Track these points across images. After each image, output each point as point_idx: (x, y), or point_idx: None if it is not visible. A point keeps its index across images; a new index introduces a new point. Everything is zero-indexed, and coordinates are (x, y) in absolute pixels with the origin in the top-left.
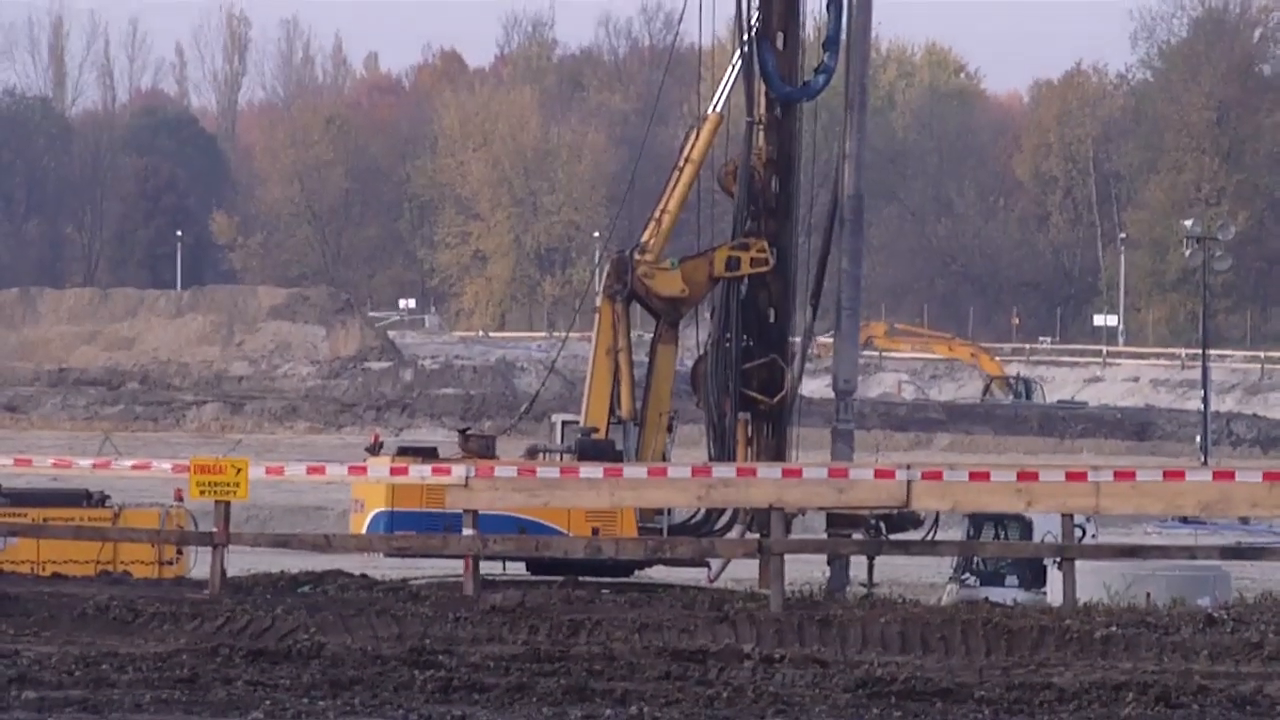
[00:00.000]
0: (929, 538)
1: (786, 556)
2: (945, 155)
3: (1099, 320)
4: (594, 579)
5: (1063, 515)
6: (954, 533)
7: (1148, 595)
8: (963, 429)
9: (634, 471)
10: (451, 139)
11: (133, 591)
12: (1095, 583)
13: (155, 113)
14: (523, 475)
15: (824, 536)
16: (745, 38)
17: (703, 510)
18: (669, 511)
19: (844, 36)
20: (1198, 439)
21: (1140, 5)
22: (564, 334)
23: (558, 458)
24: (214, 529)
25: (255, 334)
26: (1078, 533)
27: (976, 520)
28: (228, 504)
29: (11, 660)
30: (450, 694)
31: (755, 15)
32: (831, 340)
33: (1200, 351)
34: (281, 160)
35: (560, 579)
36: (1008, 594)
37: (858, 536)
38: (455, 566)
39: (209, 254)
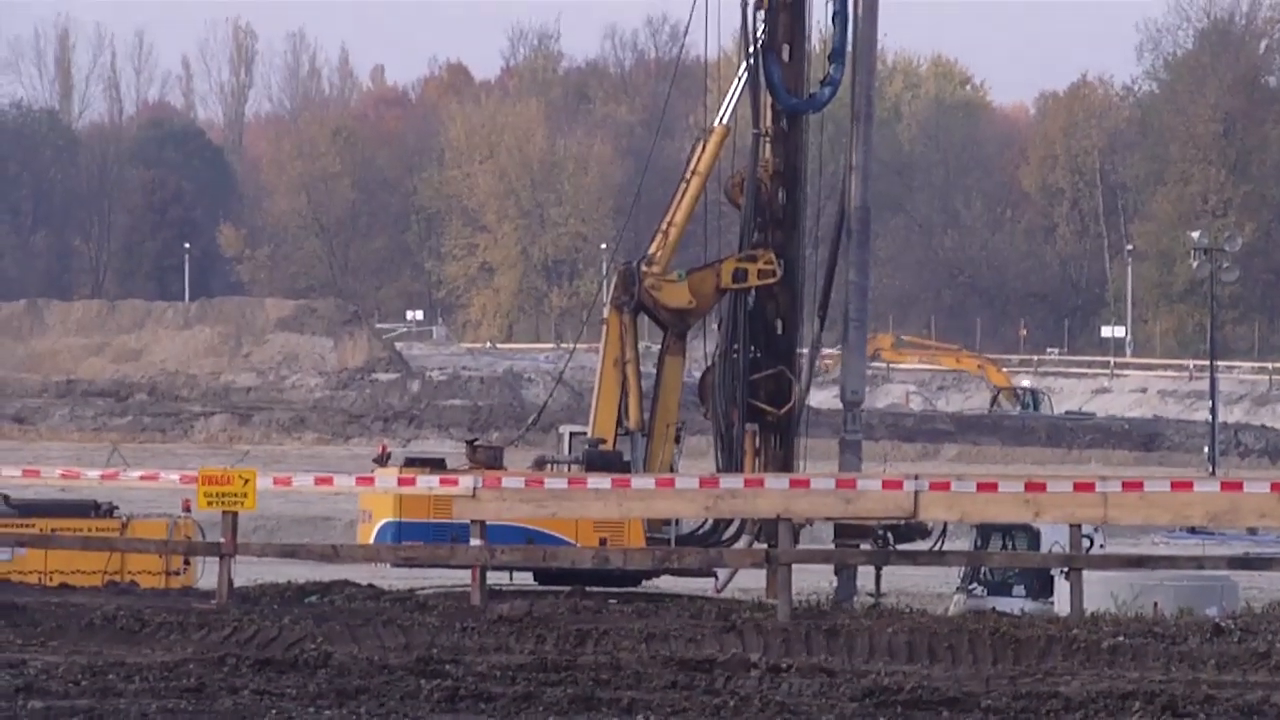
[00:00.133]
0: (936, 548)
1: (794, 566)
2: (951, 167)
3: (1106, 331)
4: (601, 589)
5: (1070, 525)
6: (961, 543)
7: (1155, 605)
8: (970, 440)
9: (641, 482)
10: (458, 151)
11: (140, 601)
12: (1103, 593)
13: (162, 125)
14: (530, 486)
15: (831, 547)
16: (751, 50)
17: (710, 521)
18: (676, 522)
19: (850, 48)
20: (1206, 450)
21: (1146, 17)
22: (571, 345)
23: (565, 468)
24: (221, 539)
25: (263, 345)
26: (1085, 543)
27: (984, 531)
28: (235, 514)
29: (19, 670)
30: (457, 703)
31: (761, 27)
32: (839, 354)
33: (1208, 362)
34: (288, 172)
35: (567, 589)
36: (1015, 604)
37: (865, 547)
38: (462, 576)
39: (216, 266)
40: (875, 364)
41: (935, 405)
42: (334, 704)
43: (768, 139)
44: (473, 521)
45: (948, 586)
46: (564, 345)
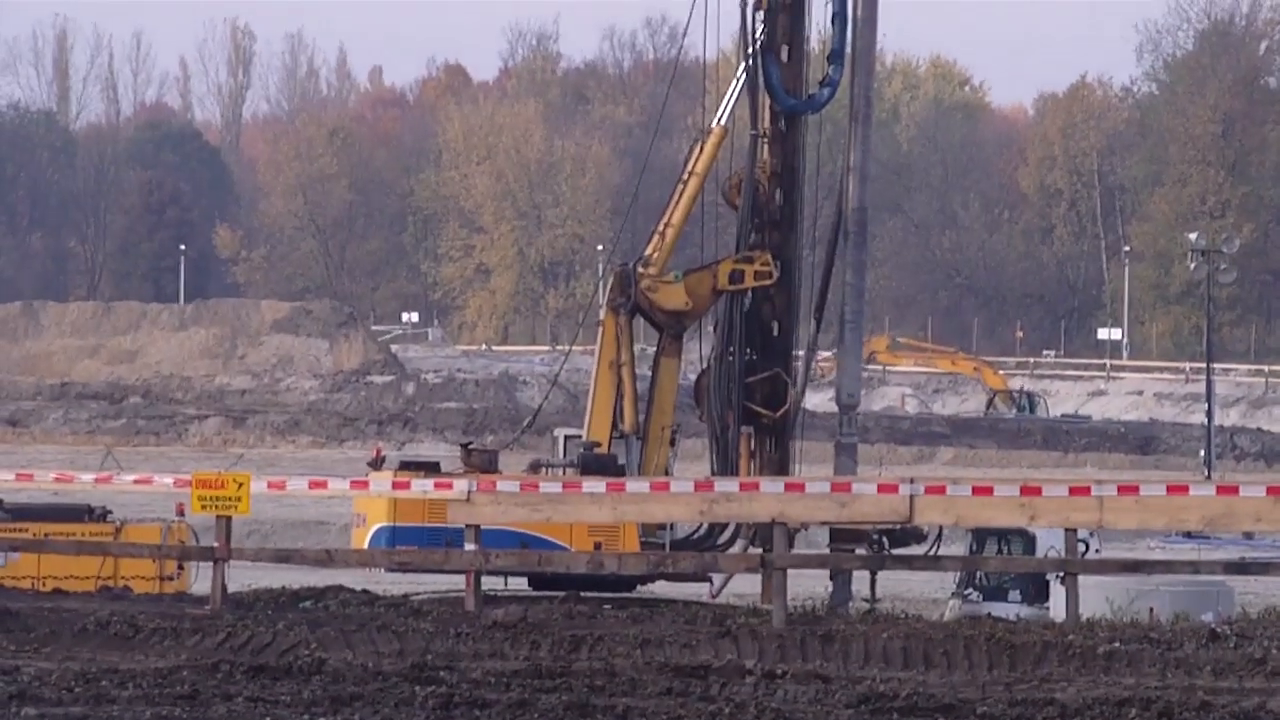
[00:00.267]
0: (932, 552)
1: (789, 571)
2: (950, 168)
3: (1103, 334)
4: (596, 594)
5: (1066, 530)
6: (957, 547)
7: (1151, 610)
8: (966, 443)
9: (636, 486)
10: (455, 152)
11: (133, 607)
12: (1098, 597)
13: (159, 126)
14: (525, 490)
15: (827, 551)
16: (750, 50)
17: (705, 525)
18: (671, 526)
19: (849, 49)
20: (1202, 453)
21: (1145, 18)
22: (567, 348)
23: (560, 472)
24: (215, 544)
25: (258, 348)
26: (1081, 547)
27: (979, 535)
28: (229, 519)
29: (12, 676)
30: (451, 710)
31: (760, 28)
32: (834, 357)
33: (1204, 365)
34: (285, 173)
35: (562, 594)
36: (1010, 609)
37: (860, 551)
38: (457, 582)
39: (212, 267)
40: (871, 366)
41: (931, 408)
42: (328, 711)
43: (766, 140)
44: (467, 526)
45: (943, 591)
46: (559, 347)
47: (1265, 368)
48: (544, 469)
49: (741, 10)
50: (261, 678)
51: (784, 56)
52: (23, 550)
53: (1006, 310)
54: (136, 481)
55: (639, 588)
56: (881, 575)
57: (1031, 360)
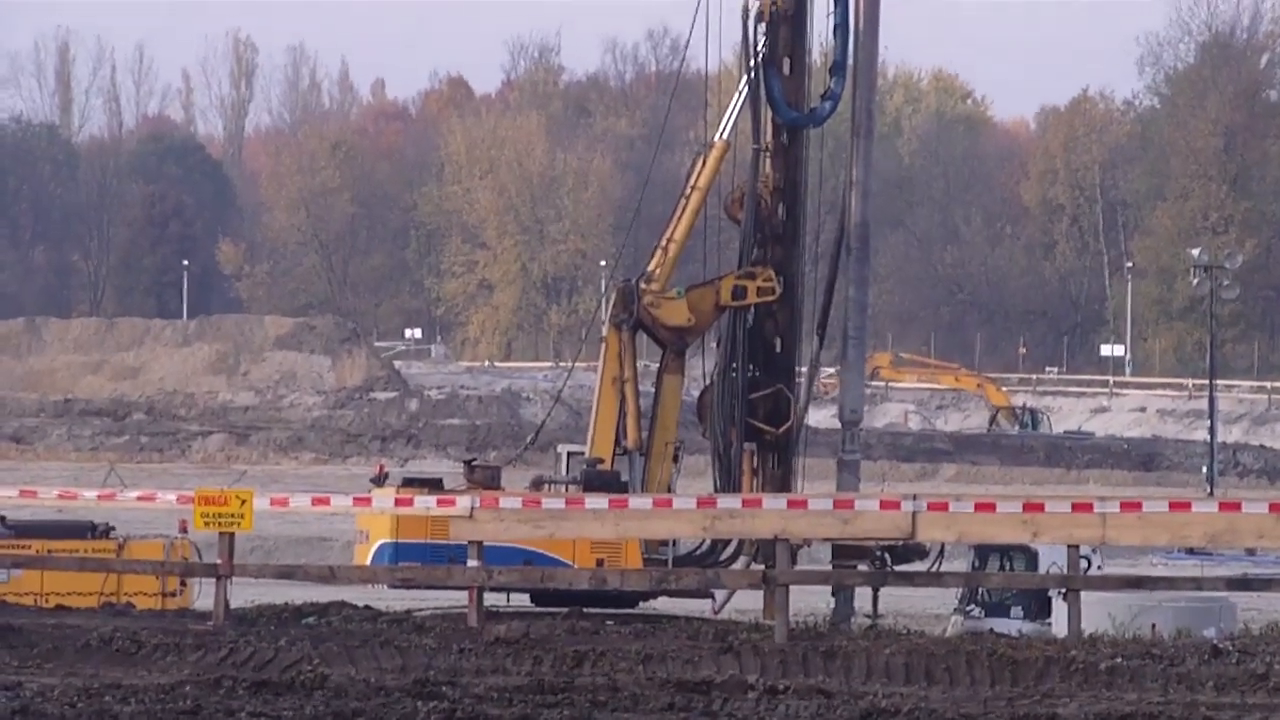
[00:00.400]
0: (934, 569)
1: (791, 587)
2: (952, 182)
3: (1106, 350)
4: (599, 610)
5: (1068, 546)
6: (959, 564)
7: (1153, 626)
8: (969, 459)
9: (639, 502)
10: (458, 165)
11: (136, 623)
12: (1101, 614)
13: (161, 139)
14: (528, 506)
15: (829, 567)
16: (752, 64)
17: (708, 541)
18: (674, 542)
19: (851, 62)
20: (1204, 469)
21: (1147, 31)
22: (570, 364)
23: (563, 488)
24: (218, 560)
25: (261, 364)
26: (1083, 564)
27: (982, 551)
28: (232, 535)
29: (15, 692)
30: None
31: (762, 41)
32: (837, 374)
33: (1207, 381)
34: (288, 187)
35: (565, 610)
36: (1013, 625)
37: (863, 567)
38: (460, 598)
39: (215, 283)
40: (874, 383)
41: (934, 424)
42: None
43: (768, 154)
44: (470, 542)
45: (945, 607)
46: (562, 364)
47: (1268, 384)
48: (547, 485)
49: (743, 23)
50: (264, 693)
51: (786, 69)
52: (26, 566)
53: (1009, 326)
54: (139, 498)
55: (641, 603)
56: (884, 591)
57: (1034, 376)
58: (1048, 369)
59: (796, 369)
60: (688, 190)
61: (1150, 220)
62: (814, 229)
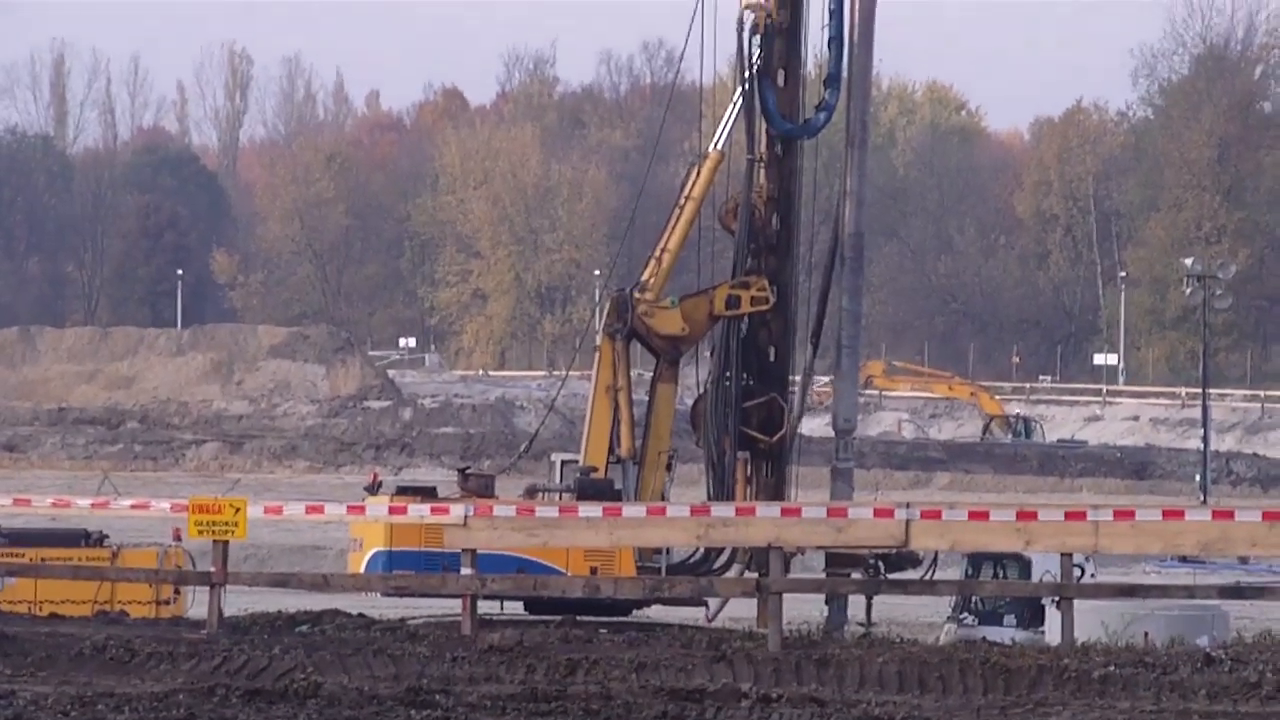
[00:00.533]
0: (927, 577)
1: (785, 595)
2: (946, 193)
3: (1099, 359)
4: (592, 618)
5: (1061, 554)
6: (953, 572)
7: (1146, 635)
8: (962, 468)
9: (633, 511)
10: (452, 176)
11: (130, 631)
12: (1094, 622)
13: (156, 150)
14: (521, 514)
15: (822, 576)
16: (746, 75)
17: (701, 549)
18: (667, 551)
19: (845, 74)
20: (1197, 478)
21: (1141, 42)
22: (564, 372)
23: (557, 497)
24: (212, 568)
25: (255, 373)
26: (1076, 572)
27: (975, 559)
28: (226, 543)
29: (8, 700)
30: None
31: (756, 53)
32: (830, 384)
33: (1200, 390)
34: (282, 198)
35: (558, 618)
36: (1006, 633)
37: (856, 576)
38: (453, 606)
39: (209, 292)
40: (867, 391)
41: (927, 433)
42: None
43: (762, 164)
44: (464, 550)
45: (939, 616)
46: (556, 372)
47: (1261, 393)
48: (540, 494)
49: (738, 35)
50: (257, 701)
51: (780, 81)
52: (20, 575)
53: (1003, 335)
54: (133, 506)
55: (635, 612)
56: (877, 599)
57: (1028, 385)
58: (1041, 378)
59: (790, 378)
60: (682, 200)
61: (1144, 230)
62: (808, 239)
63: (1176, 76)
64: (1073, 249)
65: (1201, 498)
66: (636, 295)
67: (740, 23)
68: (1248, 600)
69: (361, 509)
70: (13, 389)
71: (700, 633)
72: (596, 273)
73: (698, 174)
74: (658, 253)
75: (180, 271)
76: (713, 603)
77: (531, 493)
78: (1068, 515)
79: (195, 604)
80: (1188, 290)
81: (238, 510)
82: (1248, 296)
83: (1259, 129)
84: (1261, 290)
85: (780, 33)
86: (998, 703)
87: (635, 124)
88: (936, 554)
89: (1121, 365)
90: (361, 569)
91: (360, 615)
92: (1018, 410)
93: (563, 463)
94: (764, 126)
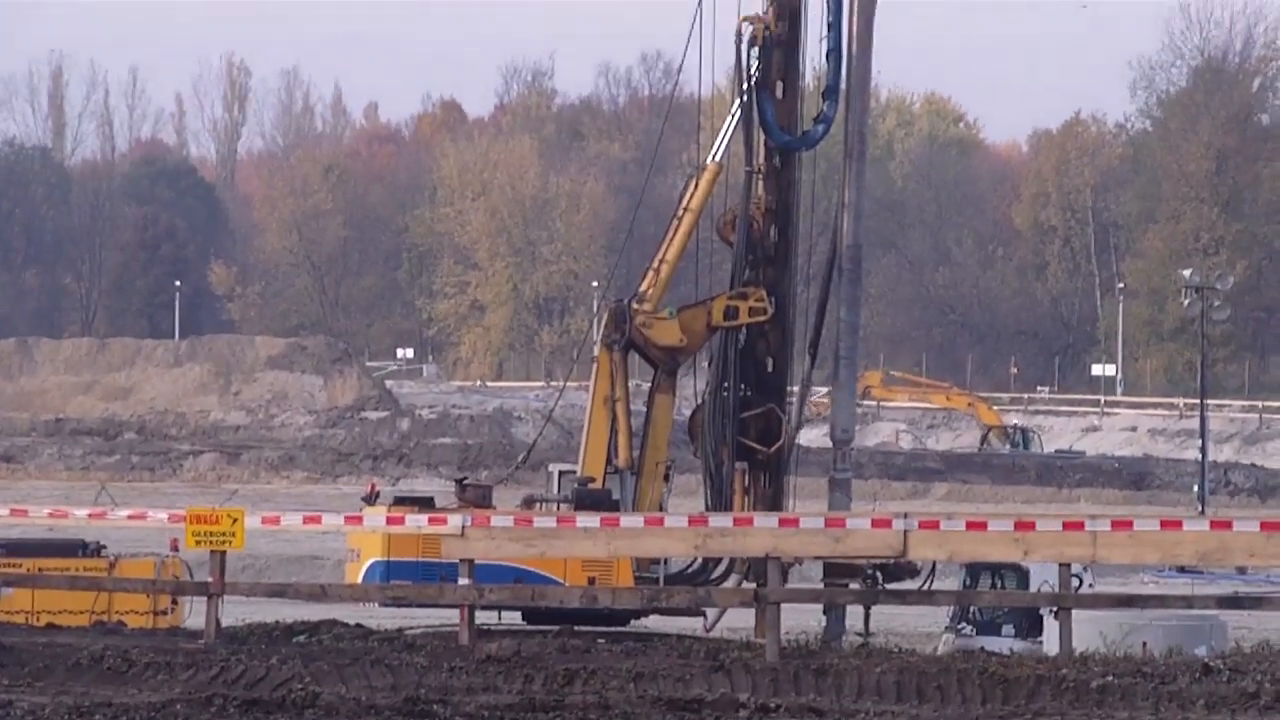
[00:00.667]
0: (925, 587)
1: (783, 606)
2: (944, 204)
3: (1097, 370)
4: (590, 628)
5: (1060, 565)
6: (951, 582)
7: (1144, 645)
8: (960, 478)
9: (631, 521)
10: (450, 188)
11: (127, 641)
12: (1092, 632)
13: (154, 162)
14: (519, 525)
15: (820, 586)
16: (745, 87)
17: (699, 559)
18: (665, 561)
19: (843, 86)
20: (1195, 488)
21: (1139, 54)
22: (561, 383)
23: (554, 507)
24: (209, 579)
25: (252, 384)
26: (1075, 582)
27: (973, 570)
28: (223, 554)
29: (5, 711)
30: None
31: (755, 65)
32: (828, 396)
33: (1198, 401)
34: (280, 209)
35: (556, 628)
36: (1004, 643)
37: (854, 586)
38: (451, 616)
39: (207, 304)
40: (865, 402)
41: (925, 443)
42: None
43: (760, 176)
44: (461, 561)
45: (937, 626)
46: (554, 383)
47: (1259, 403)
48: (538, 504)
49: (736, 47)
50: (255, 712)
51: (779, 93)
52: (17, 585)
53: (1000, 346)
54: (131, 517)
55: (633, 622)
56: (875, 609)
57: (1025, 396)
58: (1039, 389)
59: (788, 388)
60: (680, 212)
61: (1142, 242)
62: (806, 250)
63: (1175, 88)
64: (1071, 260)
65: (1199, 508)
66: (634, 306)
67: (739, 35)
68: (1246, 610)
69: (359, 519)
70: (10, 400)
71: (698, 643)
72: (594, 284)
73: (696, 185)
74: (656, 264)
75: (178, 283)
76: (710, 613)
77: (529, 503)
78: (1066, 525)
79: (193, 614)
80: (1186, 301)
81: (235, 520)
82: (1245, 308)
83: (1257, 141)
84: (1259, 301)
85: (778, 45)
86: (995, 713)
87: (633, 136)
88: (934, 564)
89: (1119, 376)
90: (359, 579)
91: (358, 625)
92: (1015, 421)
93: (560, 473)
94: (762, 138)
